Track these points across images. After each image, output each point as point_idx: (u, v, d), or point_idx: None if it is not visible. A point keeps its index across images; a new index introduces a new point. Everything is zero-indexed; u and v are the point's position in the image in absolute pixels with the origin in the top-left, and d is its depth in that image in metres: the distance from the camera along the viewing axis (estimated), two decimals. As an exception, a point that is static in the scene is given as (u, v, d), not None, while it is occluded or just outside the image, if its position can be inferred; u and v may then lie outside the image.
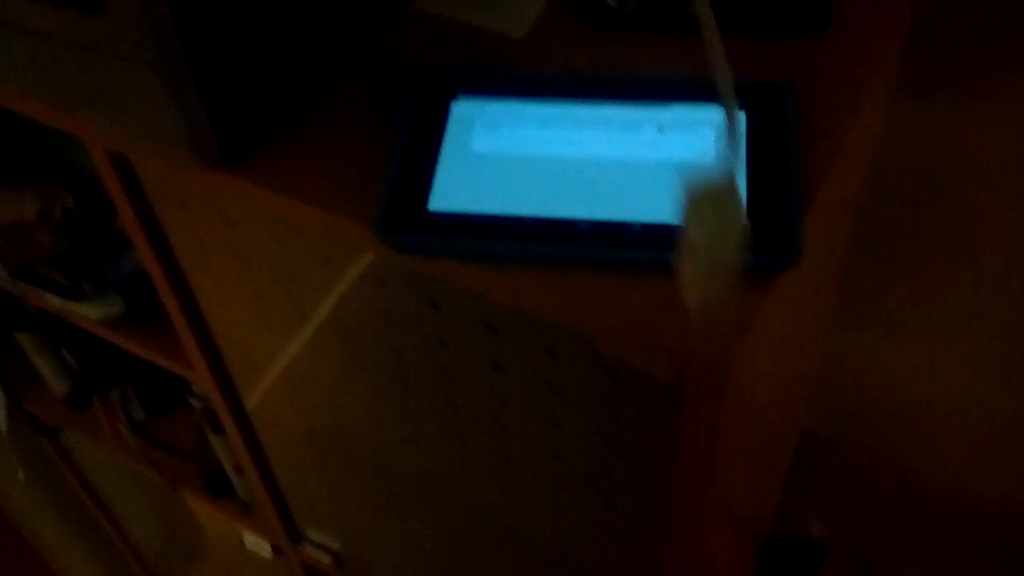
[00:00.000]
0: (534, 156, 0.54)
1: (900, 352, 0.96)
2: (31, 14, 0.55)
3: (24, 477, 1.37)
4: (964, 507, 1.06)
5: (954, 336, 0.91)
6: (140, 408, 1.27)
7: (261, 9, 0.55)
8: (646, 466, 0.60)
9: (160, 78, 0.52)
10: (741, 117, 0.54)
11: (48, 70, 0.58)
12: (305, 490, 1.00)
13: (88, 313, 0.93)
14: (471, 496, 0.77)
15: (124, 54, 0.52)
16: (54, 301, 0.95)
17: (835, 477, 1.13)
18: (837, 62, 0.59)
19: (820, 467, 1.12)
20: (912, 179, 0.82)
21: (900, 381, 0.98)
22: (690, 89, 0.56)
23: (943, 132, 0.78)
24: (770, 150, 0.53)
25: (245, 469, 1.00)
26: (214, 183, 0.58)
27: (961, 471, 1.03)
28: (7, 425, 1.28)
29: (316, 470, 0.92)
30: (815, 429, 1.08)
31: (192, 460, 1.24)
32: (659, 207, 0.51)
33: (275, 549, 1.23)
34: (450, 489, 0.78)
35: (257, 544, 1.27)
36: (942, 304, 0.89)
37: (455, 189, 0.54)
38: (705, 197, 0.41)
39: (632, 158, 0.53)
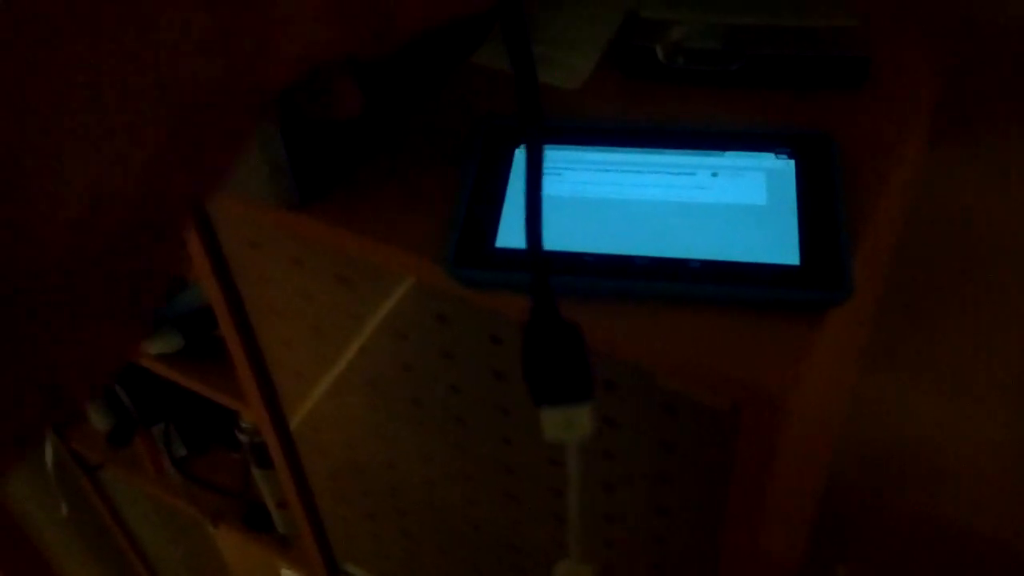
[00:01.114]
0: (594, 198, 0.58)
1: (928, 397, 0.98)
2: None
3: (66, 512, 1.40)
4: (991, 554, 1.07)
5: (983, 382, 0.94)
6: (182, 444, 1.30)
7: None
8: (700, 500, 0.63)
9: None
10: (790, 164, 0.58)
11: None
12: (347, 525, 1.02)
13: (147, 349, 0.96)
14: (517, 533, 0.79)
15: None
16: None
17: (861, 522, 1.14)
18: (876, 114, 0.62)
19: (846, 512, 1.14)
20: (944, 225, 0.85)
21: (928, 426, 1.00)
22: (740, 138, 0.60)
23: (974, 179, 0.81)
24: (818, 194, 0.56)
25: (290, 503, 1.03)
26: (288, 223, 0.62)
27: (988, 518, 1.04)
28: (53, 462, 1.31)
29: (359, 505, 0.95)
30: (842, 473, 1.10)
31: (233, 495, 1.26)
32: (714, 245, 0.54)
33: (311, 586, 1.25)
34: (495, 525, 0.81)
35: (293, 581, 1.29)
36: (971, 350, 0.92)
37: (519, 228, 0.57)
38: None
39: (687, 200, 0.57)
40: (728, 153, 0.59)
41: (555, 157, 0.61)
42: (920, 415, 0.99)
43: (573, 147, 0.61)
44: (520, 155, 0.61)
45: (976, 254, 0.85)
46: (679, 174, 0.59)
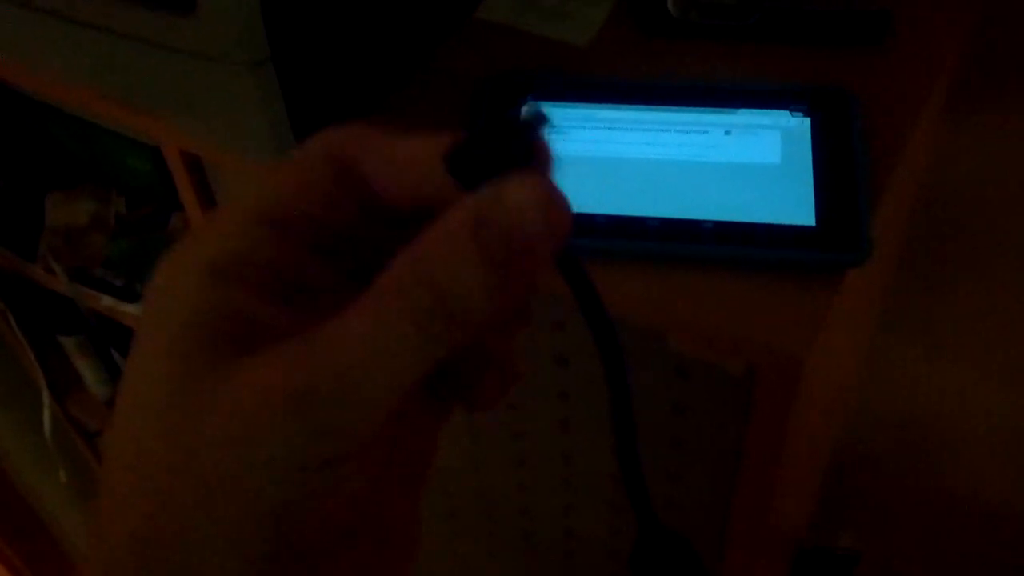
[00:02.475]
0: (603, 157, 0.56)
1: (937, 368, 0.97)
2: (119, 16, 0.57)
3: (65, 478, 1.39)
4: (995, 523, 1.06)
5: (993, 354, 0.92)
6: (181, 412, 1.29)
7: (342, 13, 0.57)
8: (712, 464, 0.61)
9: (247, 79, 0.54)
10: (806, 122, 0.56)
11: (131, 70, 0.60)
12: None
13: (144, 313, 0.95)
14: (527, 496, 0.78)
15: (213, 55, 0.54)
16: (108, 302, 0.97)
17: (867, 490, 1.14)
18: (897, 72, 0.60)
19: (852, 479, 1.13)
20: (959, 196, 0.84)
21: (935, 397, 0.99)
22: (754, 96, 0.58)
23: (994, 149, 0.79)
24: (836, 153, 0.54)
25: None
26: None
27: (993, 488, 1.04)
28: (51, 426, 1.30)
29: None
30: (849, 440, 1.09)
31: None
32: (728, 206, 0.52)
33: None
34: (504, 489, 0.80)
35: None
36: (982, 322, 0.90)
37: (527, 188, 0.55)
38: None
39: (700, 159, 0.55)
40: (742, 110, 0.57)
41: (564, 115, 0.59)
42: (930, 384, 0.98)
43: (582, 104, 0.59)
44: (526, 110, 0.59)
45: (993, 222, 0.83)
46: (691, 132, 0.57)
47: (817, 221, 0.51)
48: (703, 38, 0.63)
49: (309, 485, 0.21)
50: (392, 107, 0.62)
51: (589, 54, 0.64)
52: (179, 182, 0.71)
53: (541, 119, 0.24)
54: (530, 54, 0.64)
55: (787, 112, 0.57)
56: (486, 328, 0.22)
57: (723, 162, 0.55)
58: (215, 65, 0.54)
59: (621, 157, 0.56)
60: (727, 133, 0.56)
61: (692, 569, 0.28)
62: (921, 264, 0.90)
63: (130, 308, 0.96)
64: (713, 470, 0.62)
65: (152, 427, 0.21)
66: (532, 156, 0.23)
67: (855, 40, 0.62)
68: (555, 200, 0.22)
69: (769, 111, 0.57)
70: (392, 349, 0.21)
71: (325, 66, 0.57)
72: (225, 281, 0.22)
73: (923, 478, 1.07)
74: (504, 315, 0.24)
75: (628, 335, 0.57)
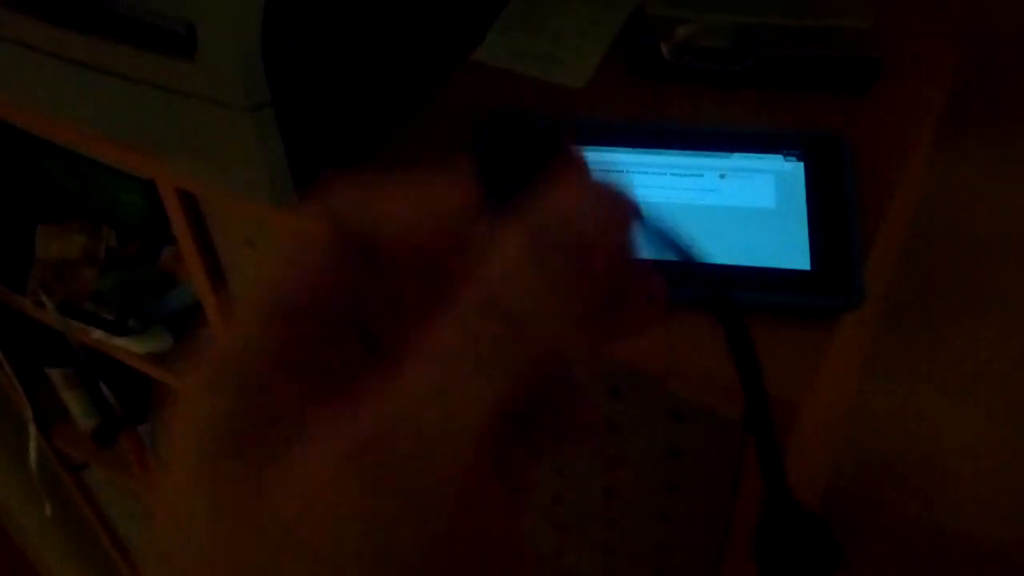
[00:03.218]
0: (599, 200, 0.57)
1: (928, 403, 0.97)
2: (121, 58, 0.57)
3: (50, 512, 1.38)
4: (985, 558, 1.06)
5: (984, 388, 0.93)
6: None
7: (340, 59, 0.57)
8: (706, 508, 0.61)
9: (247, 122, 0.54)
10: (799, 166, 0.57)
11: (130, 112, 0.61)
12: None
13: (135, 348, 0.95)
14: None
15: (214, 98, 0.54)
16: (98, 336, 0.97)
17: (859, 527, 1.14)
18: (886, 116, 0.61)
19: (845, 517, 1.13)
20: (946, 233, 0.85)
21: (924, 434, 1.00)
22: (749, 140, 0.59)
23: (978, 186, 0.80)
24: (829, 197, 0.55)
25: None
26: (285, 221, 0.60)
27: (983, 523, 1.04)
28: (37, 458, 1.29)
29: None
30: (841, 478, 1.09)
31: (221, 497, 1.24)
32: (723, 249, 0.53)
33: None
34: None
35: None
36: (969, 359, 0.91)
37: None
38: None
39: (695, 203, 0.56)
40: (736, 155, 0.58)
41: (560, 157, 0.59)
42: (920, 421, 0.99)
43: (577, 147, 0.60)
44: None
45: (980, 258, 0.84)
46: (686, 176, 0.57)
47: (812, 265, 0.52)
48: (696, 82, 0.64)
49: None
50: (390, 149, 0.62)
51: (584, 97, 0.65)
52: (173, 217, 0.71)
53: (562, 127, 0.23)
54: (526, 97, 0.65)
55: (781, 157, 0.58)
56: (572, 345, 0.21)
57: (718, 206, 0.56)
58: (215, 108, 0.55)
59: (617, 200, 0.56)
60: (722, 177, 0.57)
61: (823, 549, 0.27)
62: (909, 302, 0.91)
63: (120, 342, 0.95)
64: (708, 513, 0.62)
65: (194, 555, 0.20)
66: (561, 158, 0.23)
67: (845, 86, 0.63)
68: (604, 192, 0.21)
69: (763, 155, 0.58)
70: (469, 391, 0.19)
71: (324, 110, 0.57)
72: (250, 387, 0.21)
73: (913, 515, 1.07)
74: (588, 323, 0.23)
75: (623, 379, 0.58)
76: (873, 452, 1.04)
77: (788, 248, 0.53)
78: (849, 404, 0.98)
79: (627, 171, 0.58)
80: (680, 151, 0.59)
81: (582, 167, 0.23)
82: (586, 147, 0.62)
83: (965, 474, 1.00)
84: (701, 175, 0.57)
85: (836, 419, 0.89)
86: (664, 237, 0.23)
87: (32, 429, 1.28)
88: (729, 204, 0.56)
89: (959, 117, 0.76)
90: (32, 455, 1.29)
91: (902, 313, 0.91)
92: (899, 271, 0.88)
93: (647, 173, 0.58)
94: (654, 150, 0.59)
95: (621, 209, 0.21)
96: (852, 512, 1.11)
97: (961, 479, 1.01)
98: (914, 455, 1.02)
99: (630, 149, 0.59)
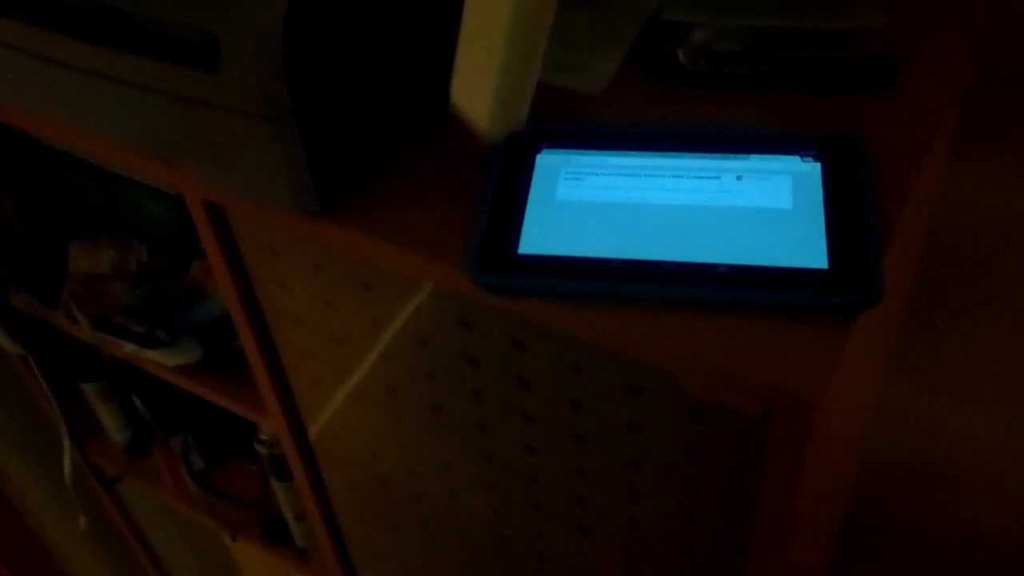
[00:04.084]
0: (617, 202, 0.57)
1: (953, 403, 0.97)
2: (145, 71, 0.59)
3: (85, 525, 1.40)
4: (1014, 559, 1.05)
5: (1010, 389, 0.92)
6: (199, 457, 1.29)
7: (360, 68, 0.58)
8: (726, 508, 0.62)
9: (269, 131, 0.56)
10: (816, 167, 0.57)
11: (156, 123, 0.62)
12: (367, 536, 1.01)
13: (165, 360, 0.96)
14: (543, 541, 0.78)
15: (237, 109, 0.56)
16: (129, 349, 0.99)
17: (883, 527, 1.13)
18: (903, 116, 0.61)
19: (869, 516, 1.12)
20: (969, 235, 0.84)
21: (950, 435, 0.99)
22: (765, 141, 0.59)
23: (1001, 180, 0.80)
24: (845, 197, 0.55)
25: (309, 515, 1.02)
26: (310, 229, 0.61)
27: (1012, 524, 1.03)
28: (71, 472, 1.31)
29: (381, 516, 0.94)
30: (866, 478, 1.09)
31: (251, 508, 1.26)
32: (741, 250, 0.53)
33: (330, 598, 1.24)
34: (519, 535, 0.80)
35: (311, 593, 1.28)
36: (998, 356, 0.91)
37: (542, 234, 0.57)
38: None
39: (713, 204, 0.56)
40: (753, 156, 0.58)
41: (579, 162, 0.60)
42: (945, 420, 0.98)
43: (596, 152, 0.60)
44: (542, 161, 0.60)
45: (1003, 258, 0.84)
46: (704, 178, 0.58)
47: (829, 264, 0.52)
48: (713, 87, 0.65)
49: None
50: (409, 156, 0.63)
51: (602, 102, 0.65)
52: (201, 230, 0.73)
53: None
54: (545, 104, 0.66)
55: (798, 157, 0.58)
56: None
57: (736, 206, 0.56)
58: (238, 118, 0.56)
59: (636, 202, 0.57)
60: (739, 178, 0.57)
61: None
62: (932, 304, 0.90)
63: (151, 355, 0.97)
64: (729, 513, 0.62)
65: None
66: None
67: (862, 86, 0.63)
68: None
69: (780, 156, 0.58)
70: None
71: (345, 119, 0.59)
72: None
73: (938, 514, 1.06)
74: None
75: (643, 378, 0.58)
76: (898, 451, 1.04)
77: (806, 248, 0.53)
78: (872, 403, 0.97)
79: (646, 175, 0.59)
80: (697, 154, 0.59)
81: None
82: (605, 152, 0.63)
83: (990, 473, 0.99)
84: (719, 177, 0.58)
85: (861, 418, 0.88)
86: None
87: (66, 443, 1.30)
88: (747, 205, 0.56)
89: (979, 115, 0.76)
90: (67, 469, 1.31)
91: (926, 313, 0.91)
92: (922, 271, 0.87)
93: (665, 176, 0.58)
94: (672, 153, 0.60)
95: None
96: (878, 511, 1.11)
97: (986, 478, 1.00)
98: (939, 454, 1.01)
99: (649, 153, 0.60)
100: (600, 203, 0.57)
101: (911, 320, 0.92)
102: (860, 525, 1.12)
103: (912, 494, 1.07)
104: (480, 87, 0.47)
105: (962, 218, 0.83)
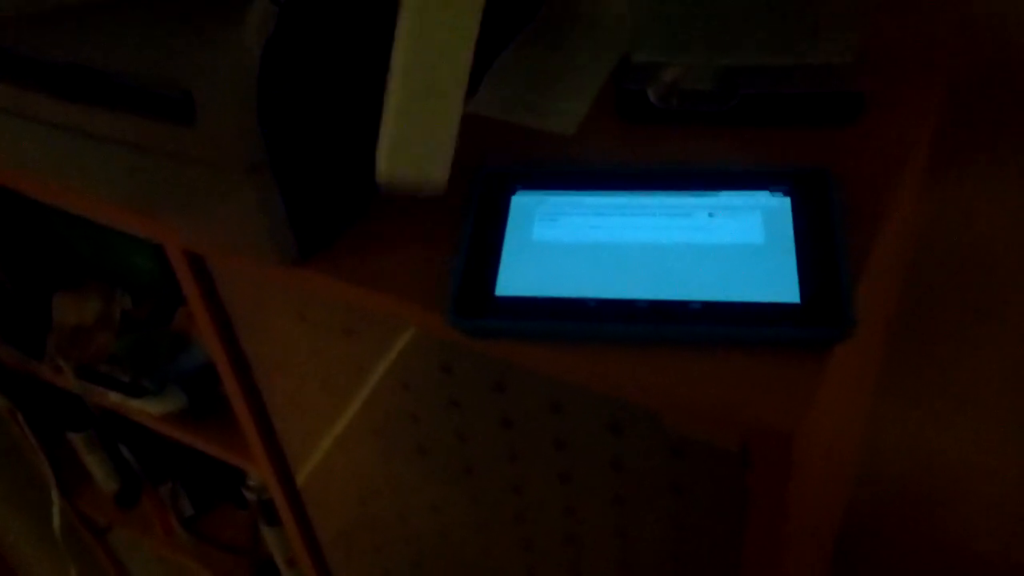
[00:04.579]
0: (592, 242, 0.58)
1: (943, 426, 0.97)
2: (121, 126, 0.59)
3: (75, 574, 1.38)
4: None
5: (998, 410, 0.93)
6: (189, 504, 1.29)
7: (333, 117, 0.59)
8: (713, 543, 0.62)
9: (247, 183, 0.56)
10: (786, 201, 0.58)
11: (134, 178, 0.63)
12: (358, 580, 1.01)
13: (151, 409, 0.96)
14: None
15: (214, 162, 0.56)
16: (115, 398, 0.99)
17: (878, 554, 1.13)
18: (872, 149, 0.63)
19: (863, 544, 1.12)
20: (954, 253, 0.85)
21: (940, 458, 0.99)
22: (735, 178, 0.60)
23: (982, 206, 0.81)
24: (816, 230, 0.56)
25: (299, 560, 1.02)
26: (290, 277, 0.62)
27: (1006, 546, 1.03)
28: (61, 523, 1.30)
29: (371, 559, 0.94)
30: (857, 503, 1.09)
31: (242, 554, 1.25)
32: (714, 286, 0.54)
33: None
34: (511, 573, 0.80)
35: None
36: (985, 378, 0.91)
37: (519, 275, 0.57)
38: None
39: (686, 241, 0.57)
40: (724, 192, 0.59)
41: (553, 202, 0.61)
42: (936, 443, 0.99)
43: (570, 192, 0.61)
44: (516, 203, 0.61)
45: (987, 281, 0.85)
46: (676, 215, 0.59)
47: (801, 298, 0.53)
48: (684, 124, 0.66)
49: None
50: (387, 202, 0.64)
51: (575, 143, 0.66)
52: (183, 279, 0.73)
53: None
54: (518, 145, 0.67)
55: (767, 192, 0.59)
56: None
57: (708, 243, 0.57)
58: (216, 171, 0.57)
59: (610, 242, 0.58)
60: (711, 215, 0.58)
61: None
62: (917, 328, 0.91)
63: (137, 403, 0.97)
64: (717, 548, 0.62)
65: None
66: None
67: (830, 121, 0.64)
68: None
69: (750, 192, 0.59)
70: None
71: (320, 168, 0.59)
72: None
73: (932, 537, 1.06)
74: None
75: (623, 416, 0.58)
76: (891, 475, 1.04)
77: (778, 282, 0.54)
78: (862, 430, 0.98)
79: (619, 214, 0.59)
80: (670, 192, 0.60)
81: None
82: (579, 192, 0.64)
83: (982, 496, 1.00)
84: (690, 214, 0.58)
85: (850, 443, 0.89)
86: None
87: (55, 494, 1.29)
88: (719, 241, 0.57)
89: (959, 142, 0.77)
90: (56, 520, 1.30)
91: (913, 337, 0.92)
92: (909, 296, 0.88)
93: (638, 215, 0.59)
94: (645, 192, 0.60)
95: None
96: (870, 533, 1.11)
97: (978, 501, 1.00)
98: (930, 477, 1.02)
99: (622, 192, 0.61)
100: (575, 243, 0.58)
101: (896, 344, 0.93)
102: (853, 548, 1.12)
103: (904, 517, 1.07)
104: (383, 125, 0.48)
105: (946, 240, 0.84)
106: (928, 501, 1.04)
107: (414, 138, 0.46)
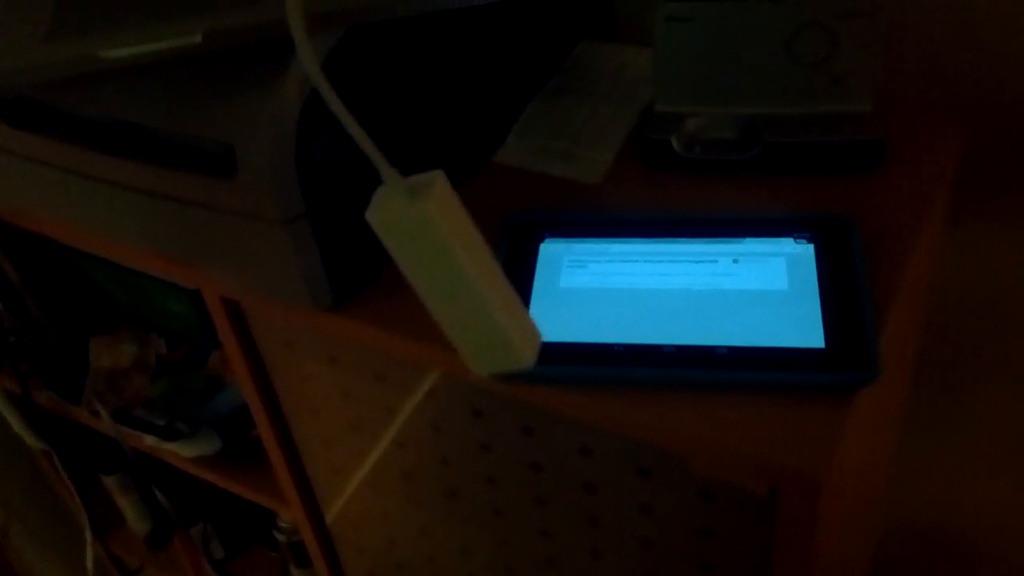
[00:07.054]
0: (619, 289, 0.59)
1: (966, 474, 0.97)
2: (163, 180, 0.62)
3: (107, 618, 1.40)
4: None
5: (1020, 457, 0.92)
6: (220, 546, 1.30)
7: (367, 168, 0.61)
8: (738, 582, 0.62)
9: (284, 233, 0.58)
10: (810, 248, 0.59)
11: (173, 228, 0.65)
12: (388, 622, 1.01)
13: (185, 452, 0.98)
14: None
15: (252, 213, 0.58)
16: (151, 441, 1.00)
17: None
18: (893, 195, 0.64)
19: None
20: (978, 299, 0.86)
21: (967, 504, 0.99)
22: (759, 225, 0.61)
23: (1007, 252, 0.81)
24: (839, 276, 0.57)
25: (329, 602, 1.02)
26: (323, 323, 0.63)
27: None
28: (93, 566, 1.31)
29: (400, 601, 0.94)
30: (887, 549, 1.08)
31: (272, 596, 1.26)
32: (740, 331, 0.55)
33: None
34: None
35: None
36: (1011, 425, 0.91)
37: (547, 322, 0.58)
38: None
39: (711, 288, 0.58)
40: (748, 239, 0.61)
41: (580, 250, 0.62)
42: (961, 489, 0.98)
43: (597, 239, 0.63)
44: (544, 251, 0.63)
45: (1011, 328, 0.85)
46: (701, 262, 0.60)
47: (826, 343, 0.54)
48: (707, 172, 0.67)
49: None
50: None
51: (601, 191, 0.68)
52: (219, 324, 0.75)
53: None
54: (546, 194, 0.68)
55: (791, 239, 0.60)
56: None
57: (733, 289, 0.58)
58: (254, 222, 0.59)
59: (636, 288, 0.59)
60: (735, 261, 0.59)
61: None
62: (942, 373, 0.91)
63: (171, 446, 0.99)
64: (745, 590, 0.62)
65: None
66: None
67: (851, 168, 0.65)
68: None
69: (774, 239, 0.60)
70: None
71: (355, 217, 0.61)
72: None
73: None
74: None
75: (652, 459, 0.59)
76: (918, 519, 1.03)
77: (803, 328, 0.55)
78: (889, 473, 0.98)
79: (646, 260, 0.61)
80: (694, 239, 0.61)
81: None
82: (605, 239, 0.66)
83: (1011, 541, 0.99)
84: (716, 261, 0.60)
85: (875, 489, 0.89)
86: None
87: (88, 536, 1.31)
88: (744, 287, 0.58)
89: (978, 186, 0.78)
90: (89, 563, 1.32)
91: (938, 384, 0.92)
92: (933, 342, 0.89)
93: (664, 262, 0.60)
94: (670, 239, 0.62)
95: None
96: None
97: (1004, 546, 0.99)
98: (958, 522, 1.01)
99: (648, 239, 0.62)
100: (602, 289, 0.59)
101: (921, 389, 0.93)
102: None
103: (932, 561, 1.06)
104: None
105: (970, 284, 0.85)
106: (957, 544, 1.03)
107: (478, 343, 0.47)
